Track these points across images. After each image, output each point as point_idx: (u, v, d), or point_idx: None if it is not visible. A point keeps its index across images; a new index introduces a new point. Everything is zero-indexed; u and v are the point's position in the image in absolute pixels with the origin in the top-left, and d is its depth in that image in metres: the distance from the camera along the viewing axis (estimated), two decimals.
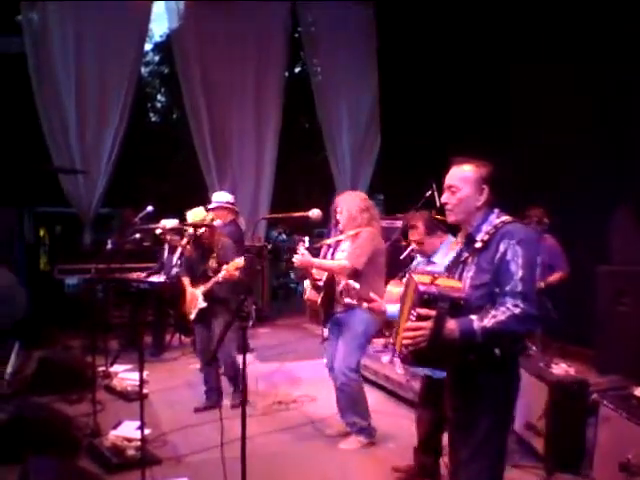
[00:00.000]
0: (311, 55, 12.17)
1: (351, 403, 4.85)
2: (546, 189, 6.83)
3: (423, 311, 2.53)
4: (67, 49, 9.77)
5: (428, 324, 2.51)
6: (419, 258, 4.74)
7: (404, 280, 3.04)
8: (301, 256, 4.61)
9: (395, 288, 4.91)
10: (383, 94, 11.14)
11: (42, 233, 12.10)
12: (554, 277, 6.29)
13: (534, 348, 5.94)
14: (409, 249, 6.29)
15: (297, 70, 19.13)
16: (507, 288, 2.59)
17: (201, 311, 5.47)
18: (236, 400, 5.67)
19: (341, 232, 4.88)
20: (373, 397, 6.24)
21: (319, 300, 4.81)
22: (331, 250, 5.00)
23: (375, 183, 12.73)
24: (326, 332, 5.09)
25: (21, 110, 10.82)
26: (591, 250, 6.41)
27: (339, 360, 4.78)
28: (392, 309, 3.16)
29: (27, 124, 10.76)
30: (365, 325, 4.73)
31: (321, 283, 4.82)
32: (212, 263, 5.37)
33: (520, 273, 2.59)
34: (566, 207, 6.63)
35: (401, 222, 7.90)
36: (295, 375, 7.07)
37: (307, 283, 5.04)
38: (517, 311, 2.53)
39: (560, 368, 4.73)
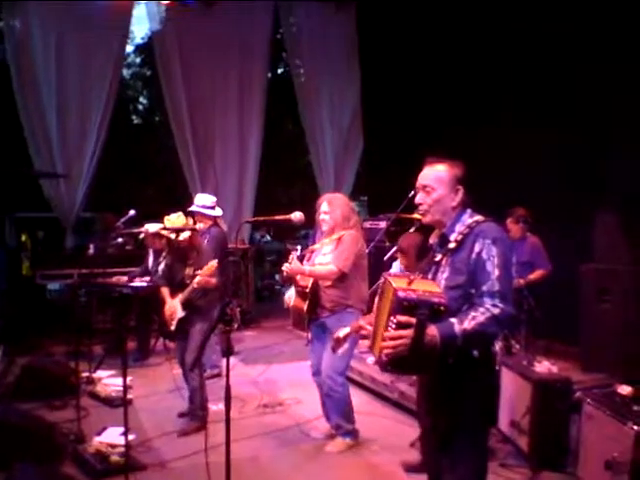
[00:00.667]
0: (293, 56, 12.15)
1: (338, 407, 4.84)
2: (529, 188, 6.86)
3: (403, 319, 2.47)
4: (49, 52, 9.68)
5: (409, 332, 2.45)
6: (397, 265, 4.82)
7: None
8: (291, 265, 4.56)
9: None
10: (365, 96, 11.14)
11: (24, 238, 11.98)
12: (535, 274, 6.34)
13: (517, 346, 5.98)
14: (392, 250, 6.30)
15: (280, 71, 19.11)
16: (484, 288, 2.57)
17: (180, 321, 5.25)
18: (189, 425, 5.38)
19: (329, 233, 4.81)
20: (359, 398, 6.24)
21: (305, 307, 4.73)
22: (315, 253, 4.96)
23: (358, 184, 12.75)
24: (310, 336, 5.05)
25: (1, 114, 10.73)
26: (574, 248, 6.44)
27: (327, 365, 4.74)
28: None
29: (8, 128, 10.68)
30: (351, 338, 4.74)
31: (307, 290, 4.73)
32: (189, 271, 5.22)
33: (497, 272, 2.58)
34: (550, 206, 6.66)
35: (384, 223, 7.92)
36: (281, 378, 7.04)
37: (291, 292, 4.94)
38: (496, 311, 2.51)
39: (543, 366, 4.77)
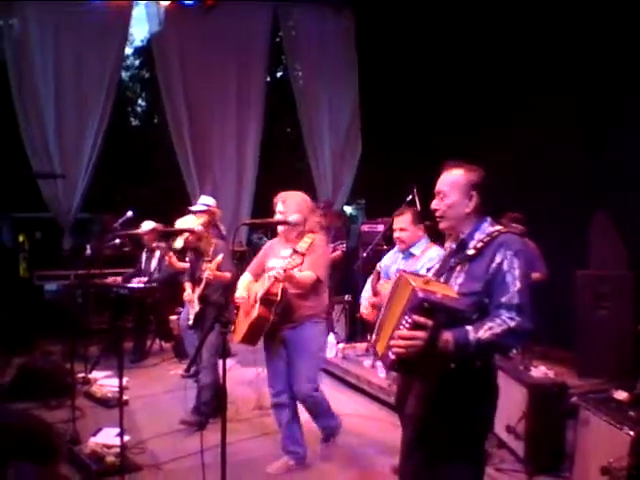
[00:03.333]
0: (292, 60, 12.16)
1: (319, 409, 4.64)
2: (525, 193, 6.87)
3: (421, 319, 2.41)
4: (47, 54, 9.68)
5: (423, 334, 2.40)
6: (393, 254, 4.73)
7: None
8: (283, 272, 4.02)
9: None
10: (363, 99, 11.16)
11: (21, 239, 11.98)
12: (532, 278, 6.33)
13: (514, 351, 5.97)
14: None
15: (279, 75, 19.14)
16: (503, 299, 2.53)
17: (196, 315, 5.43)
18: (192, 418, 5.40)
19: (288, 234, 4.44)
20: (355, 401, 6.26)
21: (271, 316, 4.19)
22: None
23: (356, 187, 12.75)
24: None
25: None
26: (571, 254, 6.45)
27: (301, 383, 4.40)
28: None
29: (5, 129, 10.66)
30: (319, 342, 4.61)
31: (277, 298, 4.18)
32: (205, 267, 5.33)
33: (518, 285, 2.54)
34: (545, 212, 6.67)
35: (382, 226, 7.93)
36: None
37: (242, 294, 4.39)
38: (513, 324, 2.48)
39: (539, 371, 4.77)
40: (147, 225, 5.64)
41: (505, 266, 2.57)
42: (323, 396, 4.63)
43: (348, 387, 6.68)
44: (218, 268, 5.17)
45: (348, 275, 8.28)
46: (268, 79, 12.54)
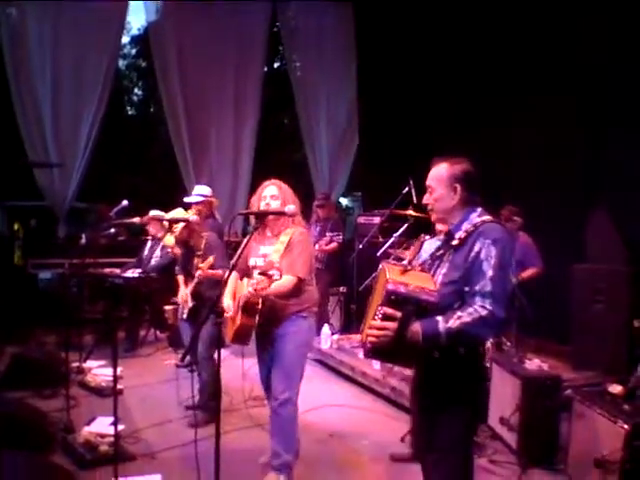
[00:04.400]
0: (290, 51, 12.14)
1: (283, 429, 4.14)
2: (523, 187, 6.88)
3: (389, 311, 2.53)
4: (44, 42, 9.62)
5: (393, 325, 2.51)
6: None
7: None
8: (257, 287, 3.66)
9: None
10: (361, 91, 11.14)
11: (16, 227, 11.95)
12: (527, 273, 6.36)
13: (508, 344, 5.99)
14: (386, 245, 6.28)
15: (277, 65, 19.11)
16: (477, 287, 2.57)
17: (190, 310, 5.37)
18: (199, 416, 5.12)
19: (274, 225, 4.23)
20: (349, 392, 6.28)
21: (255, 322, 4.00)
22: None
23: (353, 180, 12.76)
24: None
25: None
26: (568, 248, 6.46)
27: (279, 380, 4.09)
28: None
29: (2, 117, 10.60)
30: (304, 336, 4.17)
31: (258, 306, 3.96)
32: (197, 262, 5.28)
33: (491, 273, 2.57)
34: (543, 206, 6.68)
35: (378, 219, 7.93)
36: None
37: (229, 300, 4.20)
38: (484, 313, 2.51)
39: (533, 364, 4.78)
40: (155, 212, 5.61)
41: (482, 255, 2.62)
42: (295, 415, 4.16)
43: (343, 378, 6.69)
44: (211, 267, 5.09)
45: (344, 267, 8.28)
46: (265, 69, 12.49)
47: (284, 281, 3.92)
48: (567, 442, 4.22)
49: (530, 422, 4.42)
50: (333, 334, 7.45)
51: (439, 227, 4.00)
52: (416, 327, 2.51)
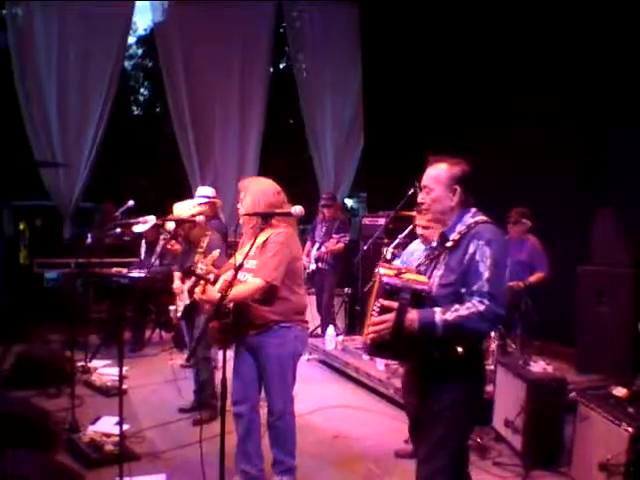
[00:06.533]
0: (295, 51, 12.14)
1: (281, 438, 4.01)
2: (528, 189, 6.87)
3: (386, 302, 2.57)
4: (50, 43, 9.64)
5: (391, 316, 2.54)
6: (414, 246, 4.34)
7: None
8: (205, 293, 3.62)
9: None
10: (367, 92, 11.14)
11: (22, 227, 11.97)
12: (535, 278, 6.34)
13: (513, 346, 5.98)
14: (391, 246, 6.25)
15: (282, 66, 19.10)
16: (474, 288, 2.58)
17: (186, 307, 5.32)
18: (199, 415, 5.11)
19: (248, 228, 4.07)
20: (354, 394, 6.27)
21: (220, 324, 3.81)
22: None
23: (358, 181, 12.74)
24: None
25: (2, 103, 10.68)
26: (572, 250, 6.45)
27: (273, 399, 3.94)
28: None
29: (8, 117, 10.63)
30: (288, 348, 3.89)
31: (228, 310, 3.78)
32: (197, 258, 5.26)
33: (487, 274, 2.58)
34: (548, 208, 6.67)
35: (383, 220, 7.91)
36: None
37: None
38: (482, 308, 2.52)
39: (538, 366, 4.77)
40: (150, 220, 5.57)
41: (477, 256, 2.63)
42: (292, 424, 4.03)
43: (347, 379, 6.69)
44: (213, 264, 5.04)
45: (349, 268, 8.27)
46: (271, 70, 12.49)
47: (248, 284, 3.75)
48: (571, 445, 4.21)
49: (535, 424, 4.41)
50: (338, 335, 7.44)
51: (419, 231, 4.03)
52: (412, 315, 2.54)
